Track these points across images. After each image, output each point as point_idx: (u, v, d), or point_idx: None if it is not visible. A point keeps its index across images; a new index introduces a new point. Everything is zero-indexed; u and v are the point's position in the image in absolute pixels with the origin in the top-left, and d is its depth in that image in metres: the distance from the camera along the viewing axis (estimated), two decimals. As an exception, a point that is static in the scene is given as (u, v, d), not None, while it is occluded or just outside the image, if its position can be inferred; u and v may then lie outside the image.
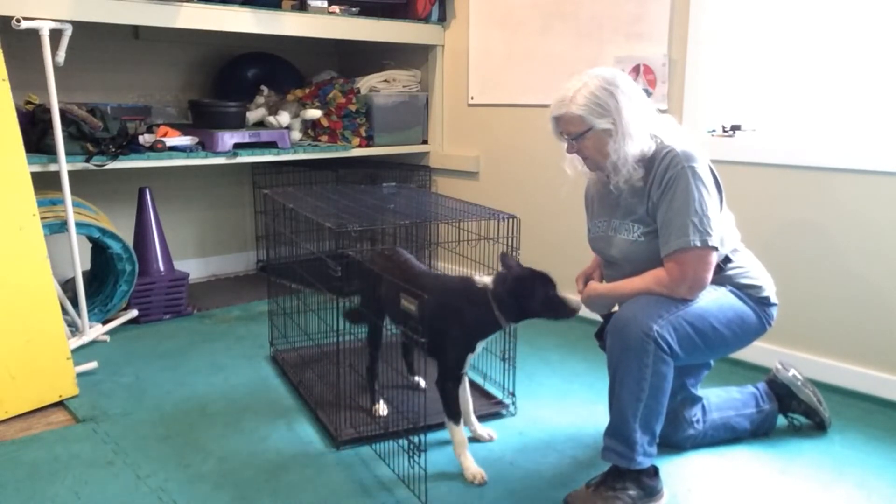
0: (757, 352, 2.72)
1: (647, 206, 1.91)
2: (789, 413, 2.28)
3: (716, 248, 1.83)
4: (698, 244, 1.80)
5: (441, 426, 2.25)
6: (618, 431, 1.83)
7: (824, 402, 2.28)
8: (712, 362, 2.22)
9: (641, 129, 1.89)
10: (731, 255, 1.97)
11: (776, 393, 2.26)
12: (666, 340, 1.77)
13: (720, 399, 2.21)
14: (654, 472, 1.89)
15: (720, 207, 1.91)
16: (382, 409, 2.33)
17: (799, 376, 2.27)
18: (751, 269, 1.98)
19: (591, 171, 2.03)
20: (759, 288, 1.96)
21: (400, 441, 2.05)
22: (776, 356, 2.68)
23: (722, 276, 1.95)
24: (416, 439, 1.90)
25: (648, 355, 1.77)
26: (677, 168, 1.84)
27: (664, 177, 1.85)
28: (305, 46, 3.96)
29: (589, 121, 1.88)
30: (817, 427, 2.29)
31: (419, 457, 1.88)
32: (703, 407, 2.16)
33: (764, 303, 1.97)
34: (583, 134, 1.90)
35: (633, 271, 1.96)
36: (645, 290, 1.86)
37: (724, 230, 1.95)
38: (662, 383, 1.80)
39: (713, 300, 1.89)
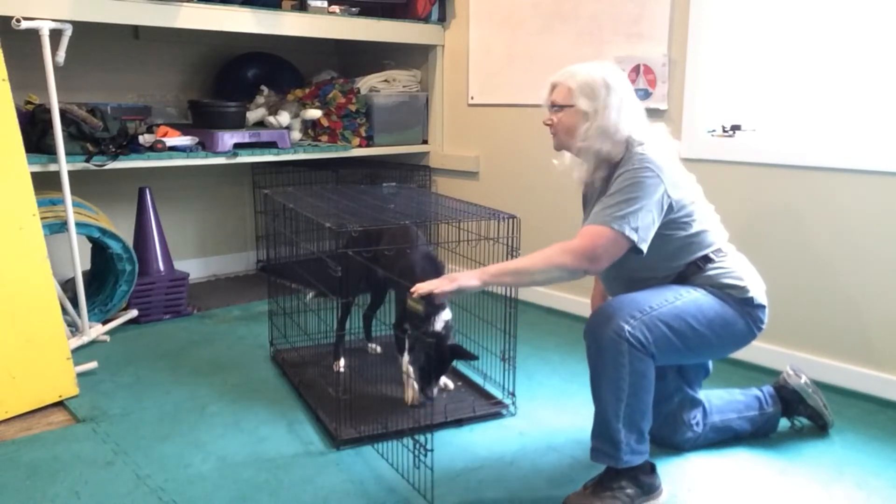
0: (759, 352, 2.73)
1: None
2: (793, 416, 2.28)
3: (631, 241, 1.81)
4: (615, 227, 1.80)
5: (442, 425, 2.25)
6: (602, 432, 1.83)
7: (828, 406, 2.28)
8: (710, 366, 2.22)
9: (616, 132, 1.92)
10: (713, 255, 1.95)
11: (783, 398, 2.25)
12: (639, 340, 1.77)
13: (722, 401, 2.21)
14: (650, 469, 1.89)
15: (661, 215, 1.87)
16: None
17: (810, 383, 2.25)
18: (735, 269, 1.96)
19: (556, 150, 2.07)
20: (742, 288, 1.94)
21: (404, 440, 2.05)
22: (777, 356, 2.69)
23: (702, 276, 1.94)
24: (422, 438, 1.90)
25: (623, 355, 1.77)
26: (633, 166, 1.87)
27: (620, 173, 1.88)
28: (305, 46, 3.96)
29: (575, 97, 1.94)
30: (820, 429, 2.29)
31: (425, 456, 1.87)
32: (704, 409, 2.16)
33: (748, 303, 1.94)
34: (564, 107, 1.96)
35: (608, 273, 1.97)
36: (546, 258, 1.82)
37: (708, 228, 1.96)
38: (643, 381, 1.79)
39: (692, 300, 1.88)
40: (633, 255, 1.85)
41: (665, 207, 1.87)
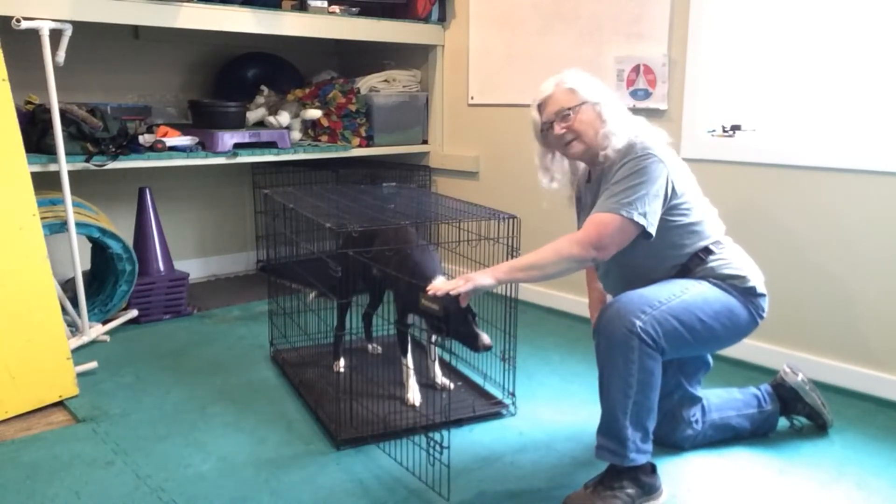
0: (757, 351, 2.73)
1: None
2: (792, 415, 2.28)
3: (641, 226, 1.84)
4: (623, 214, 1.83)
5: (443, 425, 2.25)
6: (609, 429, 1.84)
7: (827, 404, 2.28)
8: (711, 362, 2.22)
9: (623, 112, 1.98)
10: (712, 247, 1.97)
11: (781, 396, 2.25)
12: (650, 335, 1.78)
13: (721, 399, 2.21)
14: (651, 469, 1.89)
15: (666, 199, 1.90)
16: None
17: (807, 380, 2.26)
18: (734, 260, 1.99)
19: (579, 158, 2.04)
20: (743, 278, 1.96)
21: (415, 438, 2.05)
22: (778, 356, 2.69)
23: (704, 267, 1.96)
24: (436, 436, 1.90)
25: (633, 351, 1.78)
26: (636, 154, 1.89)
27: (623, 163, 1.90)
28: (305, 46, 3.96)
29: (581, 94, 1.96)
30: (819, 428, 2.29)
31: (441, 453, 1.88)
32: (703, 407, 2.16)
33: (750, 293, 1.97)
34: (575, 107, 1.96)
35: (609, 268, 2.00)
36: (555, 251, 1.84)
37: (706, 218, 1.99)
38: (650, 379, 1.80)
39: (699, 293, 1.90)
40: (639, 245, 1.87)
41: (669, 193, 1.90)
